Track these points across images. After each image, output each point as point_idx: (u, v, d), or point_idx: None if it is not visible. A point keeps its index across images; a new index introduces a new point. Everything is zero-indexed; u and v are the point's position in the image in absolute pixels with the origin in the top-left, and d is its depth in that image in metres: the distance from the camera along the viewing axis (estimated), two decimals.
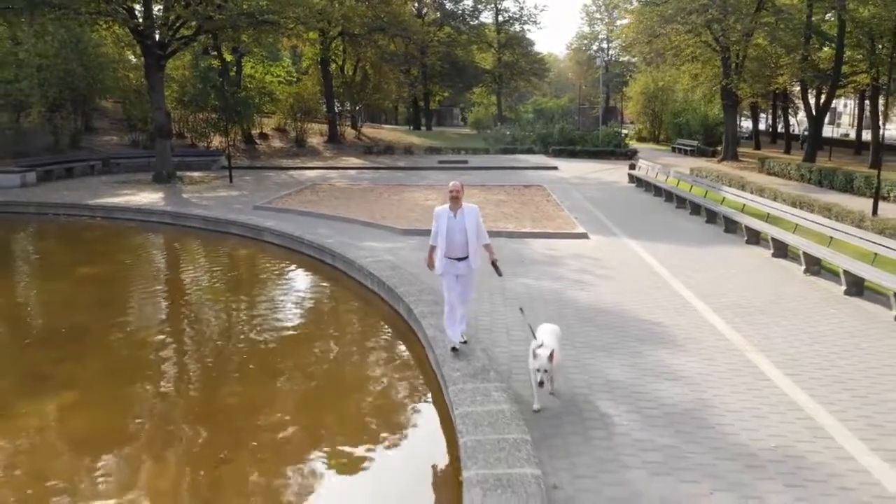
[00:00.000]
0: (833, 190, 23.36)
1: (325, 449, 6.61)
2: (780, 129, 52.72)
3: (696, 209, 18.05)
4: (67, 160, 28.75)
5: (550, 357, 6.08)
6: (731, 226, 15.55)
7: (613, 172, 29.71)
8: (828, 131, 49.72)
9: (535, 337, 6.45)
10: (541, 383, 6.10)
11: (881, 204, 17.61)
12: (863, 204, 17.60)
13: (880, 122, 33.74)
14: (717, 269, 12.11)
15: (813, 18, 33.98)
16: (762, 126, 64.26)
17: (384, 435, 6.82)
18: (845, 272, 10.41)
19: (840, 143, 45.95)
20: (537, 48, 77.73)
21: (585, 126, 52.32)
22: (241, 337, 9.99)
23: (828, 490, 5.09)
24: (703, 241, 14.83)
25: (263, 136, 41.72)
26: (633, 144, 51.89)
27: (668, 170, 23.27)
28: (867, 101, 40.33)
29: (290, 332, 10.07)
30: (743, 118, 72.68)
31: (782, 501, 4.93)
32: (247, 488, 5.87)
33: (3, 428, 6.91)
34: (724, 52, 33.45)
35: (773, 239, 13.10)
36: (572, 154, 38.79)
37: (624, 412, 6.35)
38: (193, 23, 25.14)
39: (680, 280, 11.26)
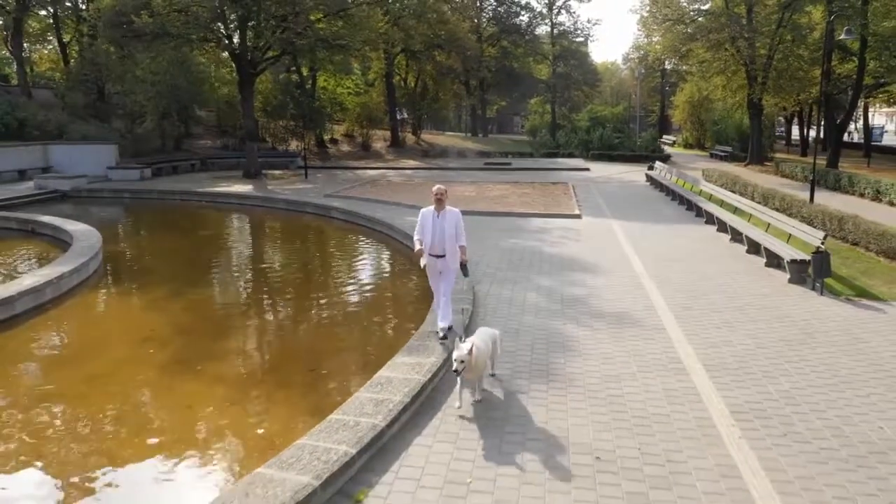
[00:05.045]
0: (825, 188, 26.56)
1: (351, 289, 11.41)
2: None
3: (681, 200, 21.90)
4: (173, 159, 34.73)
5: (470, 351, 6.40)
6: (699, 211, 19.41)
7: (639, 174, 33.35)
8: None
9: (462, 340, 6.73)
10: (455, 371, 6.39)
11: (849, 198, 21.14)
12: (835, 198, 21.26)
13: None
14: (667, 239, 16.12)
15: (835, 34, 36.78)
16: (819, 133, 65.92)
17: (382, 304, 11.53)
18: (746, 236, 14.33)
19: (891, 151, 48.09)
20: (597, 58, 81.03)
21: (639, 133, 55.56)
22: (313, 257, 14.80)
23: (632, 326, 9.27)
24: (672, 221, 18.79)
25: (333, 140, 47.14)
26: (680, 151, 55.11)
27: (673, 170, 26.99)
28: None
29: (349, 259, 14.83)
30: (792, 126, 74.06)
31: (602, 327, 9.16)
32: (322, 317, 10.58)
33: (178, 302, 11.96)
34: (749, 65, 36.56)
35: (717, 218, 17.00)
36: (610, 158, 42.52)
37: (537, 297, 10.66)
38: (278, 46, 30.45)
39: (631, 243, 15.36)
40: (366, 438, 5.57)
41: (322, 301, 12.13)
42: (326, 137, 45.80)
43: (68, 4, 45.96)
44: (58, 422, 7.20)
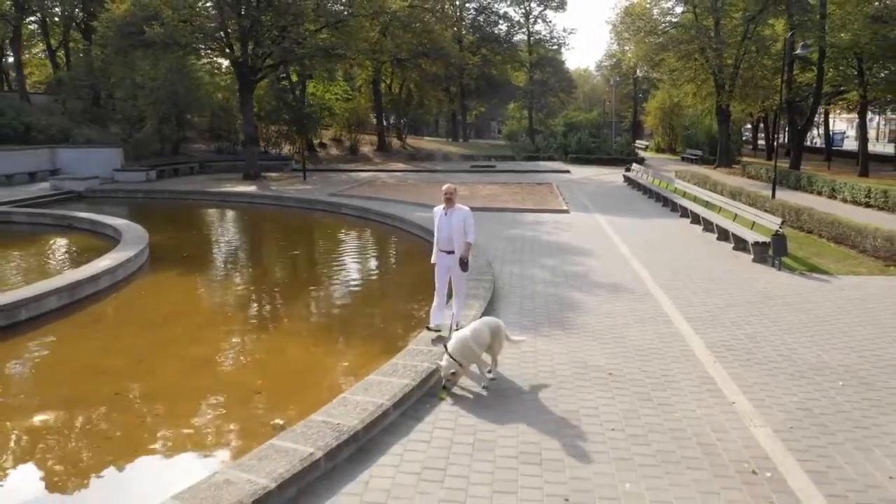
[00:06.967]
0: (787, 188, 29.01)
1: (385, 269, 13.24)
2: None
3: (657, 197, 24.10)
4: (174, 162, 36.19)
5: (451, 365, 6.81)
6: (674, 206, 21.59)
7: (616, 176, 35.63)
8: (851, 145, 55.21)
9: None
10: (444, 387, 6.89)
11: (808, 196, 23.51)
12: (796, 196, 23.65)
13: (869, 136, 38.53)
14: (647, 229, 18.23)
15: (795, 46, 39.48)
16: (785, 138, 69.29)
17: (397, 279, 13.39)
18: (716, 225, 16.48)
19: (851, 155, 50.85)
20: (571, 65, 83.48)
21: (613, 138, 58.17)
22: (339, 245, 16.65)
23: (626, 293, 11.28)
24: (650, 214, 20.95)
25: (322, 144, 48.83)
26: (652, 155, 57.72)
27: (649, 171, 29.25)
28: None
29: (373, 246, 16.69)
30: (760, 131, 77.39)
31: (601, 293, 11.15)
32: (365, 289, 12.44)
33: (233, 282, 13.77)
34: (717, 73, 39.10)
35: (690, 211, 19.17)
36: (587, 161, 44.83)
37: (543, 273, 12.64)
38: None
39: (616, 233, 17.43)
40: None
41: (361, 278, 14.17)
42: (315, 141, 47.47)
43: (57, 10, 47.07)
44: (195, 354, 9.18)
